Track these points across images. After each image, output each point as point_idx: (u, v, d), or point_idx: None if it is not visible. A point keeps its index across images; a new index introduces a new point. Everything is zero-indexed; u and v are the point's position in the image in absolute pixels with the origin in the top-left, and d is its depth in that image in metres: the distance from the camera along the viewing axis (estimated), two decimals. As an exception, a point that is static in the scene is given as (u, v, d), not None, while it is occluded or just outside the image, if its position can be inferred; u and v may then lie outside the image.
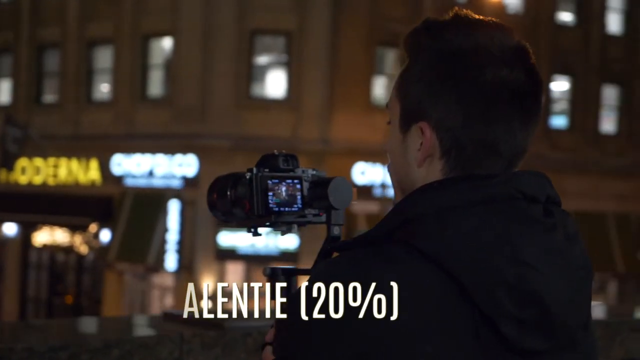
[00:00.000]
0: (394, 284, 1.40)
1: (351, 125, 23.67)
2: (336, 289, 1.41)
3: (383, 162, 22.77)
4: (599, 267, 21.90)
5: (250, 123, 23.55)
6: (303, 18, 23.82)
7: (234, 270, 24.36)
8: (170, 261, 23.80)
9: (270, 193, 1.70)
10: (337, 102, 23.84)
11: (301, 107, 23.84)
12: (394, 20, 24.44)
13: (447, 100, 1.53)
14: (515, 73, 1.53)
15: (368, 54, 24.46)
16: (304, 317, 1.43)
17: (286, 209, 1.71)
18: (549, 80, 27.98)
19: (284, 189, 1.71)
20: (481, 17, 1.60)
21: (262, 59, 24.74)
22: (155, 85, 25.58)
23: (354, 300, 1.40)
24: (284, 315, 1.50)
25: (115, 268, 25.46)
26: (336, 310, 1.40)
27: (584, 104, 28.53)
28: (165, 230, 23.79)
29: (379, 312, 1.39)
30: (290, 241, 23.15)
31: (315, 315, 1.42)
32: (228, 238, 23.36)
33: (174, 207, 23.81)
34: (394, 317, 1.39)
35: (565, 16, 29.03)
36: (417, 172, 1.56)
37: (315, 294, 1.43)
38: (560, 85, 28.80)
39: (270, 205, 1.70)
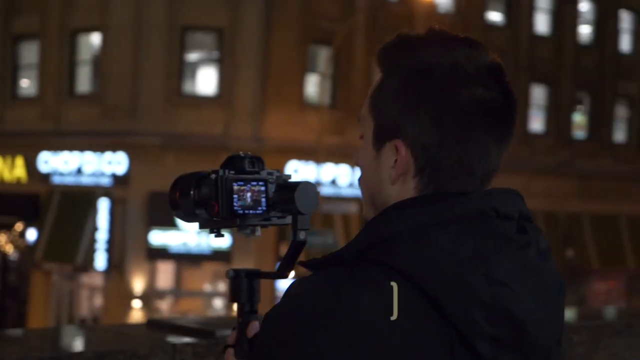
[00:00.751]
0: (369, 305, 1.39)
1: (284, 123, 23.58)
2: (315, 309, 1.41)
3: (316, 161, 22.80)
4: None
5: (182, 120, 23.30)
6: (235, 15, 23.64)
7: (165, 269, 24.10)
8: (100, 260, 23.43)
9: (235, 196, 1.67)
10: (270, 99, 23.73)
11: (233, 104, 23.67)
12: (327, 18, 24.43)
13: (423, 119, 1.52)
14: (491, 92, 1.53)
15: (300, 52, 24.39)
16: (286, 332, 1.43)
17: (251, 211, 1.68)
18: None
19: (248, 191, 1.68)
20: (455, 33, 1.59)
21: (193, 56, 24.52)
22: (84, 82, 25.15)
23: (331, 320, 1.40)
24: (268, 324, 1.48)
25: (42, 268, 25.00)
26: (315, 331, 1.40)
27: (513, 103, 28.79)
28: (94, 229, 23.41)
29: (357, 331, 1.38)
30: (222, 240, 22.93)
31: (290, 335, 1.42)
32: (159, 237, 23.07)
33: (103, 206, 23.43)
34: (372, 337, 1.38)
35: (495, 16, 29.32)
36: (390, 189, 1.56)
37: (297, 312, 1.43)
38: (489, 85, 29.00)
39: (235, 208, 1.67)
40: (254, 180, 1.69)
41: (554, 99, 30.17)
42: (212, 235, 1.74)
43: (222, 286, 24.30)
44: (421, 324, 1.40)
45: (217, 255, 23.25)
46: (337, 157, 23.81)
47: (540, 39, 29.94)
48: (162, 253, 23.28)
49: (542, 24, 30.35)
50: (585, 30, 31.68)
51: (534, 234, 1.55)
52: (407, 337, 1.39)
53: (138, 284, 23.35)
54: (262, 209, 1.68)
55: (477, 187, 1.55)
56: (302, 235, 1.70)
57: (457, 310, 1.40)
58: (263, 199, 1.68)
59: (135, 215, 23.13)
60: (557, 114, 30.15)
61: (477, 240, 1.45)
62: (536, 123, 29.86)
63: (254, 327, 1.71)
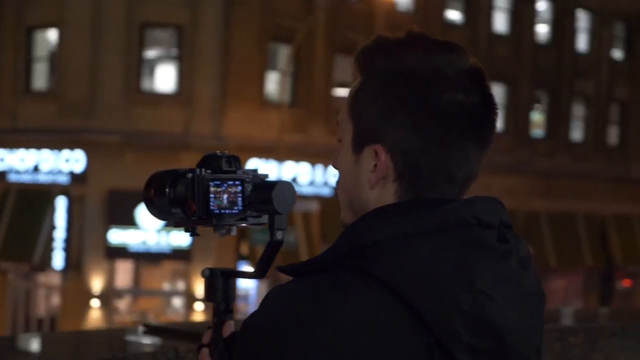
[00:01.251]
0: (351, 314, 1.39)
1: (244, 121, 23.45)
2: (293, 317, 1.41)
3: (277, 159, 22.68)
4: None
5: (140, 118, 23.10)
6: (195, 11, 23.47)
7: (124, 268, 23.87)
8: (57, 260, 23.16)
9: (212, 195, 1.65)
10: (230, 97, 23.58)
11: (193, 102, 23.50)
12: (287, 16, 24.34)
13: (404, 124, 1.51)
14: (472, 98, 1.52)
15: (261, 50, 24.27)
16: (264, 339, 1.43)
17: (227, 211, 1.66)
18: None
19: (225, 191, 1.66)
20: (435, 37, 1.58)
21: (152, 53, 24.31)
22: (40, 79, 24.83)
23: (310, 328, 1.39)
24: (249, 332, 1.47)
25: (-1, 267, 24.64)
26: (295, 339, 1.39)
27: (472, 102, 28.88)
28: (51, 227, 23.13)
29: (336, 340, 1.38)
30: (182, 239, 22.83)
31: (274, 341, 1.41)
32: (118, 235, 22.86)
33: (61, 204, 23.16)
34: (351, 346, 1.38)
35: (454, 15, 29.42)
36: (369, 194, 1.54)
37: (275, 319, 1.43)
38: (449, 83, 29.10)
39: (212, 208, 1.65)
40: (230, 179, 1.67)
41: (512, 97, 30.33)
42: (188, 234, 1.72)
43: (182, 285, 24.15)
44: (400, 333, 1.40)
45: (177, 254, 23.08)
46: (297, 155, 23.74)
47: (498, 38, 30.09)
48: (121, 252, 23.05)
49: (500, 23, 30.50)
50: (543, 30, 31.89)
51: (515, 242, 1.53)
52: (386, 346, 1.39)
53: (96, 284, 23.10)
54: (238, 209, 1.66)
55: (457, 193, 1.54)
56: (279, 235, 1.68)
57: (437, 320, 1.40)
58: (239, 199, 1.66)
59: (93, 213, 22.88)
60: (516, 113, 30.32)
61: (458, 250, 1.44)
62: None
63: (230, 326, 1.70)
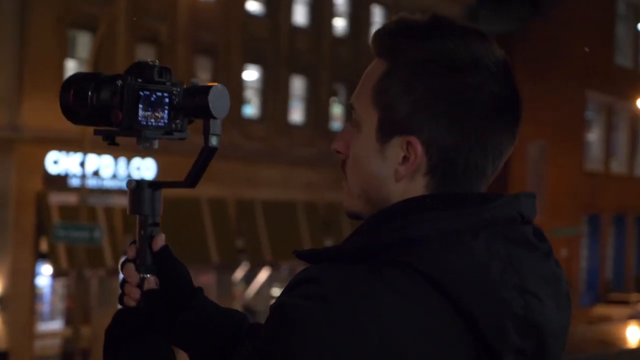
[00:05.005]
0: (406, 317, 1.33)
1: (43, 111, 22.27)
2: (342, 309, 1.32)
3: (78, 151, 21.75)
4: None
5: None
6: (-13, -6, 22.19)
7: None
8: None
9: (141, 106, 1.61)
10: (27, 86, 22.46)
11: (-15, 91, 22.19)
12: (87, 1, 23.47)
13: (442, 117, 1.44)
14: (506, 91, 1.47)
15: (60, 36, 23.26)
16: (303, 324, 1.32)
17: (153, 123, 1.62)
18: (241, 70, 28.08)
19: (153, 102, 1.62)
20: (461, 22, 1.49)
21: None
22: None
23: (358, 322, 1.32)
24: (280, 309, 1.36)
25: None
26: (348, 334, 1.32)
27: (274, 94, 28.92)
28: None
29: (382, 337, 1.32)
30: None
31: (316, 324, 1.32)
32: None
33: None
34: (404, 350, 1.32)
35: (255, 6, 29.25)
36: (394, 186, 1.47)
37: (322, 308, 1.32)
38: (251, 75, 28.99)
39: (139, 119, 1.60)
40: (159, 90, 1.62)
41: (312, 90, 30.51)
42: (107, 142, 1.65)
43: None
44: (447, 333, 1.35)
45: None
46: (100, 147, 22.89)
47: (299, 30, 30.17)
48: None
49: (300, 15, 30.60)
50: (340, 23, 32.28)
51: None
52: (433, 347, 1.34)
53: None
54: (164, 122, 1.62)
55: (484, 188, 1.50)
56: (213, 140, 1.62)
57: (490, 323, 1.36)
58: (166, 112, 1.62)
59: None
60: (316, 105, 30.53)
61: (506, 248, 1.40)
62: (296, 114, 30.09)
63: (160, 240, 1.65)
